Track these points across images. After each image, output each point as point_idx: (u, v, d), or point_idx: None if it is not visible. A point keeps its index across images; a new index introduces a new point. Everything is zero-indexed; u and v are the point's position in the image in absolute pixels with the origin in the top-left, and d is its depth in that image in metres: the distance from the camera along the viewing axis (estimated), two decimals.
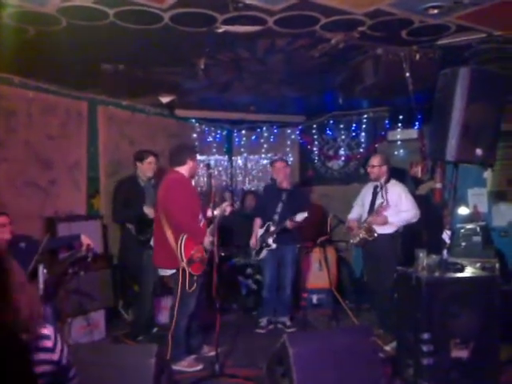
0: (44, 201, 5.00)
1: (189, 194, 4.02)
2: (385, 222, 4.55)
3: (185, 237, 3.88)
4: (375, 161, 4.79)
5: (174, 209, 3.89)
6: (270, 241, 5.03)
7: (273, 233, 5.01)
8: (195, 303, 4.03)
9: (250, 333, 5.03)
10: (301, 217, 4.78)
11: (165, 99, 5.66)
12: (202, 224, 4.06)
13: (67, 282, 4.04)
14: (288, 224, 4.88)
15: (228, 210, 4.22)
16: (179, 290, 3.90)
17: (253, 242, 5.15)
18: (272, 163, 5.45)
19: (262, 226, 5.16)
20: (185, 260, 3.84)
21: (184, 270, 3.87)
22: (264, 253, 5.10)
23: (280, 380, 3.28)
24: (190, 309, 4.02)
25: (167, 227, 3.92)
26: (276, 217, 5.11)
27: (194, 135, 6.99)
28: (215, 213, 4.11)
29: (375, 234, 4.61)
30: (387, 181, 4.72)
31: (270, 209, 5.14)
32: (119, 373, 2.92)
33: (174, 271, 3.95)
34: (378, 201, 4.65)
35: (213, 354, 3.87)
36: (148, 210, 4.60)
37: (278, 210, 5.12)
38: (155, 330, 4.93)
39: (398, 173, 5.42)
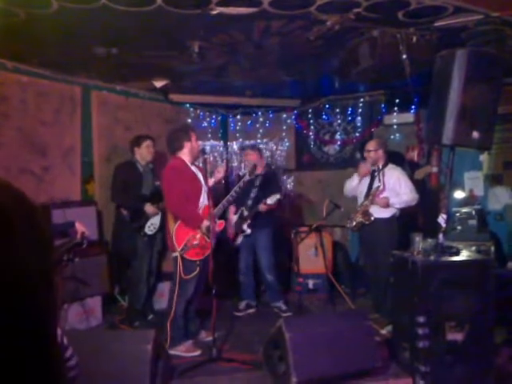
0: (38, 187, 4.96)
1: (185, 180, 3.98)
2: (386, 204, 4.56)
3: (178, 223, 3.92)
4: (371, 145, 4.79)
5: (167, 194, 3.97)
6: (245, 227, 5.02)
7: (247, 218, 5.00)
8: (194, 289, 4.03)
9: (247, 318, 5.06)
10: (273, 199, 4.78)
11: (158, 83, 5.60)
12: (202, 209, 4.04)
13: (62, 269, 4.02)
14: (261, 207, 4.88)
15: (219, 175, 4.27)
16: (177, 276, 3.91)
17: (229, 232, 5.13)
18: (243, 151, 5.43)
19: (235, 213, 5.17)
20: (177, 248, 3.87)
21: (180, 256, 3.88)
22: (240, 239, 5.09)
23: (276, 364, 3.30)
24: (188, 294, 4.02)
25: (169, 212, 4.00)
26: (249, 202, 5.10)
27: (189, 120, 6.93)
28: (211, 181, 4.17)
29: (372, 218, 4.62)
30: (385, 165, 4.71)
31: (243, 196, 5.05)
32: (116, 359, 2.93)
33: (176, 255, 3.95)
34: (376, 185, 4.65)
35: (210, 338, 3.89)
36: (148, 208, 4.61)
37: (252, 194, 5.11)
38: (151, 316, 4.94)
39: (394, 157, 5.41)
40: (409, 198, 4.61)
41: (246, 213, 5.05)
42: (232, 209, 5.18)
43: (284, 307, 5.16)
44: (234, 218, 5.14)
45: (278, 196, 4.81)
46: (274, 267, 5.19)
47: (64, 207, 4.84)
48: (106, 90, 5.75)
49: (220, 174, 4.31)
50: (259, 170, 5.14)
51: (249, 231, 5.01)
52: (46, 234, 0.76)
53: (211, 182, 4.20)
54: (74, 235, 3.78)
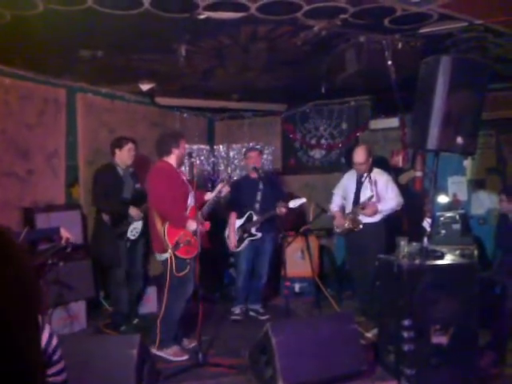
0: (22, 191, 4.89)
1: (172, 183, 3.99)
2: (375, 212, 4.58)
3: (168, 222, 3.92)
4: (360, 157, 4.70)
5: (154, 197, 3.97)
6: (254, 230, 5.01)
7: (258, 222, 4.99)
8: (192, 287, 4.03)
9: (232, 322, 5.03)
10: (297, 203, 4.81)
11: (145, 87, 5.57)
12: (188, 210, 4.04)
13: (46, 273, 3.98)
14: (280, 211, 4.84)
15: (224, 190, 4.25)
16: (168, 276, 3.89)
17: (231, 240, 5.07)
18: (246, 153, 5.39)
19: (239, 217, 5.13)
20: (170, 246, 3.86)
21: (173, 254, 3.88)
22: (245, 243, 5.05)
23: (263, 368, 3.30)
24: (187, 293, 4.03)
25: (155, 214, 3.98)
26: (257, 206, 5.08)
27: (176, 123, 6.91)
28: (209, 196, 4.20)
29: (360, 226, 4.64)
30: (370, 170, 4.74)
31: (248, 200, 5.09)
32: (101, 364, 2.91)
33: (167, 256, 3.92)
34: (366, 191, 4.65)
35: (193, 345, 3.88)
36: (133, 211, 4.56)
37: (258, 198, 5.09)
38: (136, 320, 4.90)
39: (379, 162, 5.46)
40: (395, 203, 4.65)
41: (255, 217, 5.02)
42: (233, 215, 5.13)
43: (262, 310, 5.20)
44: (237, 222, 5.11)
45: (303, 200, 4.83)
46: (270, 271, 5.24)
47: (48, 211, 4.80)
48: (91, 93, 5.70)
49: (222, 193, 4.31)
50: (256, 174, 5.12)
51: (259, 235, 5.01)
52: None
53: (211, 195, 4.25)
54: (58, 241, 3.75)
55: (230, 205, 5.31)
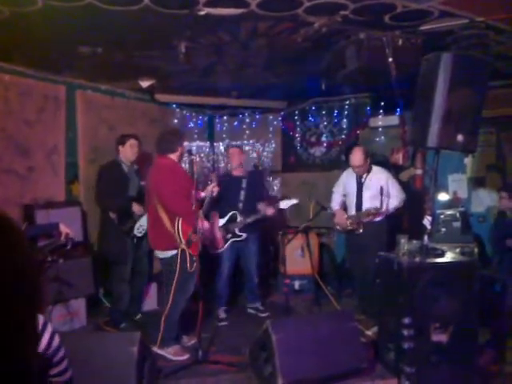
0: (22, 188, 4.88)
1: (181, 178, 3.98)
2: (380, 215, 4.59)
3: (181, 218, 3.89)
4: (357, 161, 4.67)
5: (167, 193, 3.88)
6: (238, 230, 4.89)
7: (242, 223, 4.88)
8: (193, 285, 4.01)
9: (230, 320, 5.01)
10: (288, 204, 4.76)
11: (145, 83, 5.56)
12: (193, 207, 4.02)
13: (46, 270, 3.97)
14: (270, 212, 4.82)
15: (215, 190, 4.22)
16: (178, 272, 3.87)
17: (218, 240, 4.92)
18: (227, 149, 5.35)
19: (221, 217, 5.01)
20: (183, 241, 3.84)
21: (183, 251, 3.86)
22: (228, 244, 4.93)
23: (263, 365, 3.30)
24: (190, 291, 4.00)
25: (162, 211, 3.92)
26: (240, 205, 4.98)
27: (175, 120, 6.90)
28: (202, 195, 4.18)
29: (361, 230, 4.64)
30: (369, 170, 4.73)
31: (231, 199, 4.96)
32: (101, 361, 2.90)
33: (173, 253, 3.91)
34: (368, 192, 4.64)
35: (192, 342, 3.86)
36: (135, 207, 4.55)
37: (241, 197, 5.00)
38: (139, 316, 4.91)
39: (379, 159, 5.45)
40: (398, 201, 4.66)
41: (239, 217, 4.90)
42: (215, 215, 5.00)
43: (261, 308, 5.17)
44: (220, 222, 4.99)
45: (294, 201, 4.78)
46: (259, 270, 5.19)
47: (48, 208, 4.79)
48: (90, 90, 5.69)
49: (214, 193, 4.25)
50: (241, 172, 5.10)
51: (244, 235, 4.90)
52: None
53: (203, 193, 4.23)
54: (57, 236, 3.73)
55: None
